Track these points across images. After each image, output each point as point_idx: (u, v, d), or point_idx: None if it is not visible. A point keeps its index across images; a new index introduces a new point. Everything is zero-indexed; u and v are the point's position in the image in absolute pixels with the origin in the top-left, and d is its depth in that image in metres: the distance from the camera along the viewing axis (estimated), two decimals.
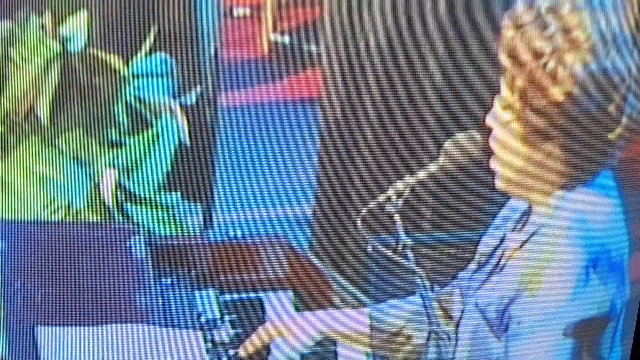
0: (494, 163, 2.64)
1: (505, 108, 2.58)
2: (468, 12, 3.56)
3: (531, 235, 2.60)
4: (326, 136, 3.67)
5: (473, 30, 3.52)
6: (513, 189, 2.65)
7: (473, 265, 2.74)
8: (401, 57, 3.63)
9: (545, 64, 2.50)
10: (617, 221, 2.60)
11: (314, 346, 2.88)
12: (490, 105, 2.66)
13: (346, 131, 3.66)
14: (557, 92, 2.50)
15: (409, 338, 2.79)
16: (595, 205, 2.57)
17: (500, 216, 2.76)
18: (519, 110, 2.55)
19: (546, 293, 2.50)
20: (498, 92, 2.63)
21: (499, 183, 2.65)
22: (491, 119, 2.63)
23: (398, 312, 2.81)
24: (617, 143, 2.58)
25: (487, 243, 2.73)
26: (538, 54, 2.50)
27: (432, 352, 2.69)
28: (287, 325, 2.82)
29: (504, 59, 2.56)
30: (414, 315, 2.78)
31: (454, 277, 2.80)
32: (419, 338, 2.77)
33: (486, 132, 2.66)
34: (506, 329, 2.56)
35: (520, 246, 2.62)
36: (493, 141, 2.63)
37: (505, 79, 2.58)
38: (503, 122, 2.59)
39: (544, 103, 2.51)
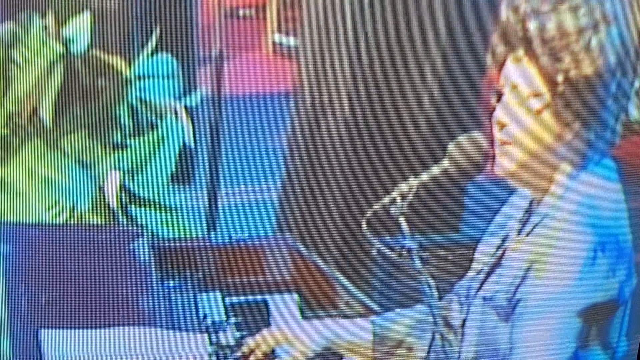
0: (502, 150, 2.61)
1: (537, 95, 2.56)
2: (470, 9, 3.56)
3: (537, 224, 2.59)
4: (330, 138, 3.66)
5: (477, 25, 3.51)
6: (520, 177, 2.63)
7: (471, 273, 2.73)
8: (406, 57, 3.63)
9: (589, 39, 2.51)
10: (621, 209, 2.60)
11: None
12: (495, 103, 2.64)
13: (350, 132, 3.65)
14: (598, 65, 2.52)
15: (410, 349, 2.78)
16: (601, 189, 2.58)
17: (497, 220, 2.75)
18: (559, 93, 2.54)
19: (553, 274, 2.50)
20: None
21: (508, 169, 2.61)
22: (507, 113, 2.60)
23: (400, 323, 2.80)
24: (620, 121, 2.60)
25: (485, 249, 2.72)
26: (578, 32, 2.51)
27: None
28: (291, 333, 2.82)
29: (536, 47, 2.54)
30: (416, 325, 2.77)
31: (452, 288, 2.79)
32: (420, 349, 2.76)
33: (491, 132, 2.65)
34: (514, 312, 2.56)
35: (527, 235, 2.62)
36: (511, 134, 2.59)
37: (537, 65, 2.55)
38: (534, 110, 2.57)
39: (589, 77, 2.52)
